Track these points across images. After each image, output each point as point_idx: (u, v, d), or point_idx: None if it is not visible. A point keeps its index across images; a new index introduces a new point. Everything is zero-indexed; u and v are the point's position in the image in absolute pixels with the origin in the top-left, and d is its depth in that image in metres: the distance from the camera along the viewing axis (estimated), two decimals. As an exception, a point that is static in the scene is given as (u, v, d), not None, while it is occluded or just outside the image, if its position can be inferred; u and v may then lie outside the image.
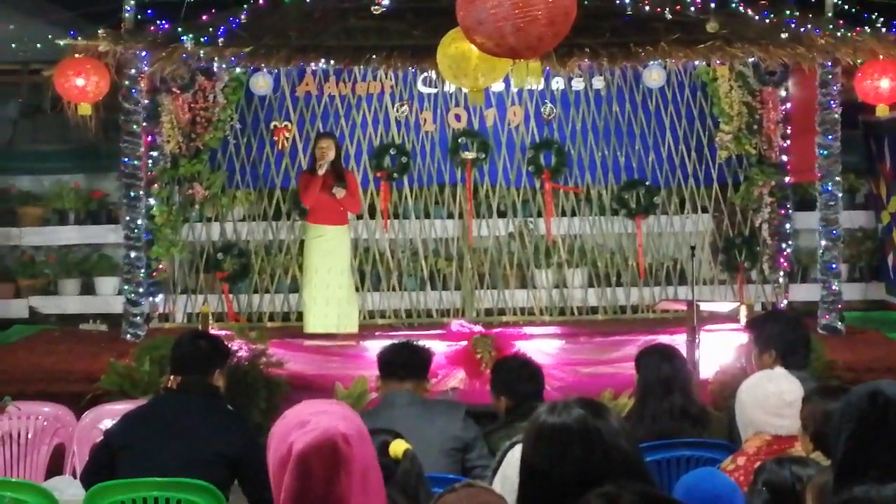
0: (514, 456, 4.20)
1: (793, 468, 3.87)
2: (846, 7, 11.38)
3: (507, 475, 4.26)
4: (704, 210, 12.78)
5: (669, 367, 6.13)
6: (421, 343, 6.25)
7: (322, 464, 2.92)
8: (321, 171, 10.56)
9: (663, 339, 8.64)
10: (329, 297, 10.73)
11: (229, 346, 6.17)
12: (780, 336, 6.14)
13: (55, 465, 7.18)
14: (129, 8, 11.14)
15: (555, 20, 6.44)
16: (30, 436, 7.19)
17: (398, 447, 3.57)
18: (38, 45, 11.47)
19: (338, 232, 10.81)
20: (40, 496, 5.23)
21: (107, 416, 7.01)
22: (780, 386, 4.84)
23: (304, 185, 10.81)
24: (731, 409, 5.30)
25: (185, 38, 10.80)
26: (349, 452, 2.94)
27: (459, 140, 12.62)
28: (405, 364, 5.96)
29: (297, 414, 3.08)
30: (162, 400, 5.70)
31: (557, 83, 12.59)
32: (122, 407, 6.86)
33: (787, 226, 12.59)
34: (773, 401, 4.79)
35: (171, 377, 5.53)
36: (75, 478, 6.13)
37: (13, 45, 12.38)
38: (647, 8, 11.13)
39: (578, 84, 12.69)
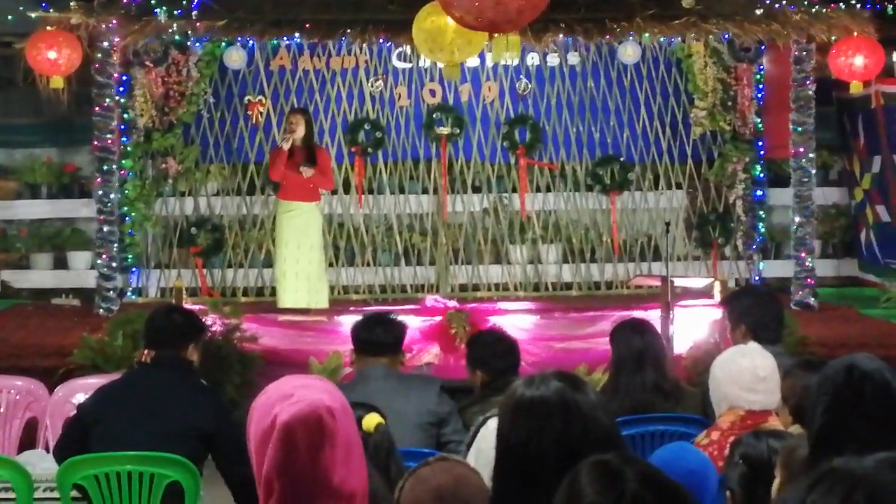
0: (489, 430, 4.21)
1: (770, 441, 3.88)
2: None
3: (482, 449, 4.26)
4: (679, 186, 12.81)
5: (641, 340, 6.14)
6: (395, 317, 6.23)
7: (307, 436, 2.91)
8: (286, 146, 10.55)
9: (637, 314, 8.65)
10: (299, 271, 10.72)
11: (204, 320, 6.14)
12: (752, 311, 6.15)
13: (28, 439, 7.14)
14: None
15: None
16: (1, 410, 7.15)
17: (371, 421, 3.58)
18: (10, 18, 11.37)
19: (308, 208, 10.79)
20: (13, 470, 5.21)
21: (80, 391, 6.98)
22: (753, 361, 4.84)
23: (271, 160, 10.83)
24: (705, 383, 5.31)
25: (158, 10, 10.72)
26: (334, 425, 2.94)
27: (434, 115, 12.60)
28: (379, 338, 5.91)
29: (279, 387, 3.07)
30: (135, 374, 5.69)
31: (532, 59, 12.58)
32: (95, 381, 6.83)
33: (761, 202, 12.62)
34: (746, 376, 4.79)
35: (145, 351, 5.52)
36: (48, 452, 6.12)
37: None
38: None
39: (553, 60, 12.67)
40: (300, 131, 10.59)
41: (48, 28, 10.56)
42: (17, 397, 7.22)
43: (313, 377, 3.26)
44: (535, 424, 2.98)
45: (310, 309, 10.72)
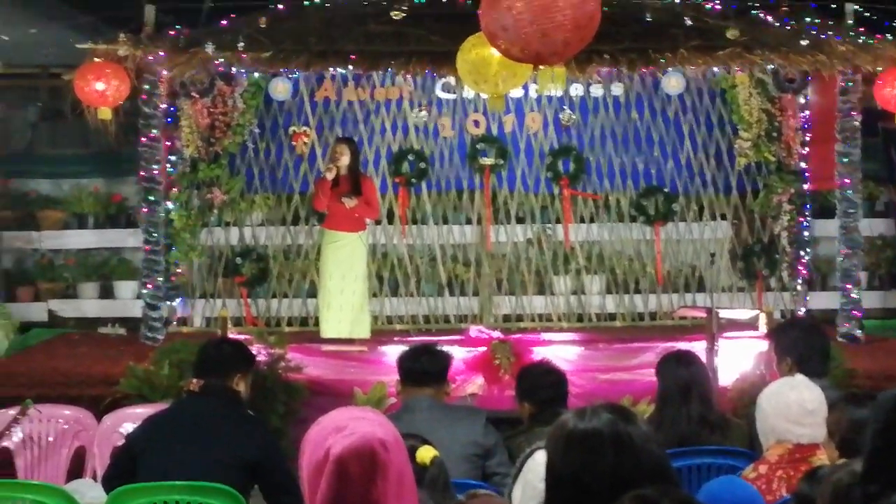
0: (535, 462, 4.19)
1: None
2: (866, 14, 11.34)
3: (528, 480, 4.25)
4: (723, 217, 12.77)
5: (687, 372, 6.14)
6: (440, 347, 6.24)
7: (360, 468, 2.92)
8: (329, 175, 10.55)
9: (682, 346, 8.58)
10: (343, 302, 10.73)
11: (253, 352, 6.16)
12: (798, 343, 6.13)
13: (76, 468, 7.20)
14: (150, 12, 11.15)
15: (580, 25, 6.40)
16: (51, 439, 7.21)
17: (426, 454, 3.59)
18: (59, 50, 11.49)
19: (353, 238, 10.79)
20: (61, 499, 5.25)
21: (127, 420, 7.04)
22: (801, 394, 4.81)
23: (315, 190, 10.88)
24: (752, 416, 5.28)
25: (205, 43, 10.79)
26: (386, 458, 2.95)
27: (478, 146, 12.62)
28: (425, 369, 5.94)
29: (332, 419, 3.08)
30: (183, 403, 5.73)
31: (576, 89, 12.59)
32: (143, 410, 6.89)
33: (806, 233, 12.57)
34: (794, 409, 4.77)
35: (194, 380, 5.55)
36: (96, 481, 6.16)
37: (33, 50, 12.42)
38: (666, 14, 11.12)
39: (597, 90, 12.69)
40: (345, 160, 10.61)
41: (96, 60, 10.64)
42: (66, 426, 7.29)
43: (366, 409, 3.26)
44: (588, 457, 2.96)
45: (353, 339, 10.73)
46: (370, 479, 2.93)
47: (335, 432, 3.00)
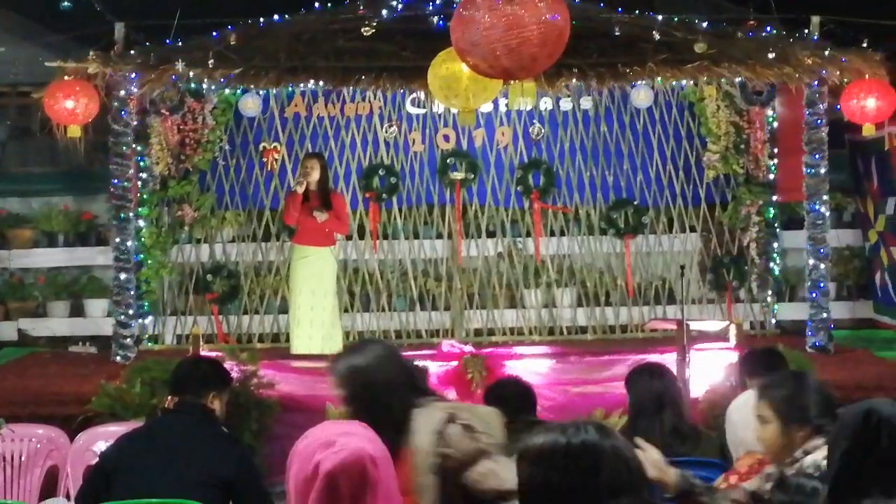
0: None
1: None
2: (832, 27, 11.42)
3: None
4: (692, 229, 12.85)
5: (660, 384, 6.20)
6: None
7: (350, 484, 2.97)
8: (300, 189, 10.62)
9: (653, 358, 8.62)
10: (314, 318, 10.74)
11: (229, 371, 6.16)
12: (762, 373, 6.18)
13: (49, 488, 7.16)
14: (119, 30, 11.14)
15: (547, 41, 6.45)
16: (23, 458, 7.18)
17: None
18: (28, 68, 11.47)
19: (323, 253, 10.83)
20: (35, 519, 5.23)
21: (100, 438, 7.02)
22: (768, 405, 4.85)
23: (286, 205, 10.91)
24: (722, 427, 5.33)
25: (175, 60, 10.78)
26: (376, 474, 3.00)
27: (448, 160, 12.67)
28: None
29: (321, 434, 3.12)
30: (158, 421, 5.71)
31: (546, 103, 12.65)
32: (116, 429, 6.87)
33: (775, 245, 12.65)
34: (761, 420, 4.80)
35: (168, 398, 5.55)
36: (69, 500, 6.14)
37: (2, 68, 12.39)
38: (634, 28, 11.17)
39: (566, 104, 12.76)
40: (315, 175, 10.68)
41: (66, 77, 10.60)
42: (38, 445, 7.26)
43: (353, 423, 3.29)
44: (577, 470, 2.96)
45: (324, 355, 10.72)
46: (360, 495, 2.99)
47: (324, 447, 3.02)
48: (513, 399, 6.22)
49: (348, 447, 3.01)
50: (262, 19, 11.23)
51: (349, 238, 12.42)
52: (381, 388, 4.23)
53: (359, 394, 4.28)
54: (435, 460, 3.67)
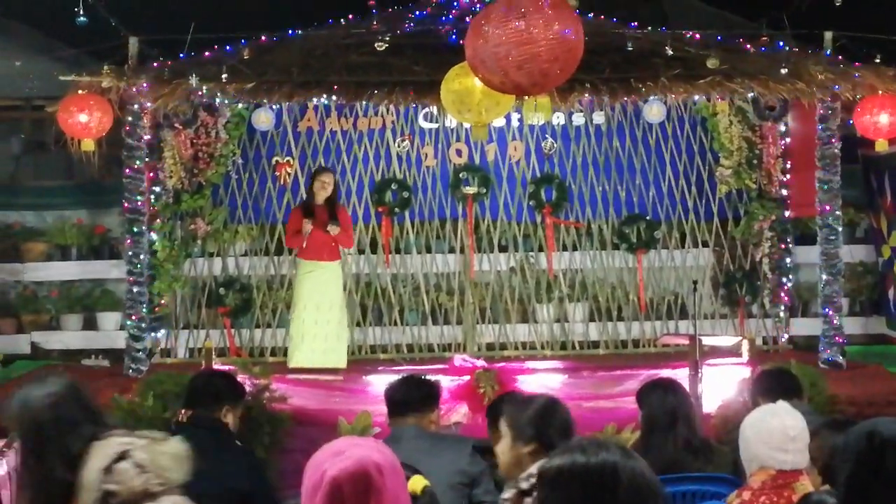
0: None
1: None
2: (845, 43, 11.42)
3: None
4: (705, 244, 12.83)
5: (674, 399, 6.18)
6: (424, 377, 6.26)
7: (354, 490, 2.97)
8: (305, 232, 10.73)
9: (666, 373, 8.64)
10: (317, 332, 10.76)
11: (243, 385, 6.17)
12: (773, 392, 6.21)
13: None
14: (133, 45, 11.18)
15: (557, 57, 6.46)
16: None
17: (417, 483, 3.62)
18: (42, 82, 11.50)
19: (330, 267, 10.89)
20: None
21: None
22: (783, 421, 4.83)
23: (291, 230, 11.04)
24: (735, 442, 5.31)
25: (188, 74, 10.81)
26: (381, 482, 3.00)
27: (460, 175, 12.67)
28: (406, 399, 5.98)
29: (332, 446, 3.14)
30: (171, 434, 5.69)
31: (558, 118, 12.65)
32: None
33: (788, 260, 12.63)
34: (776, 436, 4.78)
35: (182, 411, 5.56)
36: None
37: (17, 82, 12.43)
38: (647, 44, 11.19)
39: (579, 119, 12.77)
40: (329, 190, 10.76)
41: (80, 92, 10.65)
42: (52, 458, 7.22)
43: (367, 438, 3.30)
44: (598, 490, 2.92)
45: (336, 369, 10.74)
46: (364, 502, 2.97)
47: (333, 456, 3.05)
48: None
49: (354, 456, 3.04)
50: (275, 34, 11.28)
51: (361, 252, 12.45)
52: (51, 424, 4.11)
53: (29, 430, 4.17)
54: (97, 496, 3.60)
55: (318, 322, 10.75)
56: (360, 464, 3.02)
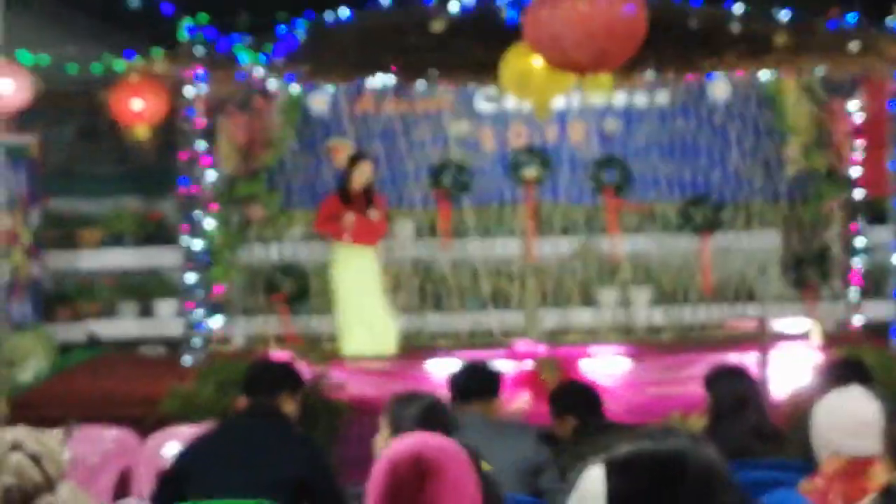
0: (590, 477, 4.03)
1: None
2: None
3: (584, 497, 4.09)
4: (773, 226, 12.58)
5: (742, 385, 6.07)
6: (489, 363, 6.21)
7: (410, 468, 2.97)
8: (346, 238, 10.69)
9: (732, 358, 8.48)
10: (372, 318, 10.70)
11: (302, 373, 6.10)
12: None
13: (121, 490, 7.16)
14: (185, 27, 11.09)
15: (616, 34, 6.43)
16: (96, 460, 7.18)
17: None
18: (95, 68, 11.44)
19: (371, 252, 10.85)
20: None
21: (172, 440, 7.04)
22: (857, 406, 4.66)
23: (323, 210, 10.91)
24: (807, 430, 5.14)
25: (242, 57, 10.72)
26: (439, 460, 2.99)
27: (520, 157, 12.48)
28: (472, 385, 5.99)
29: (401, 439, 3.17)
30: (231, 423, 5.71)
31: (620, 98, 12.45)
32: (188, 431, 6.87)
33: (859, 241, 12.34)
34: (850, 421, 4.61)
35: (242, 399, 5.58)
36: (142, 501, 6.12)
37: (70, 68, 12.37)
38: (711, 20, 10.98)
39: (641, 99, 12.58)
40: (368, 178, 10.72)
41: (133, 77, 10.60)
42: (111, 447, 7.26)
43: (433, 434, 3.31)
44: (667, 480, 2.78)
45: (378, 356, 10.67)
46: (421, 480, 2.97)
47: (399, 442, 3.10)
48: (582, 402, 6.31)
49: (413, 439, 3.09)
50: (330, 15, 11.15)
51: (420, 236, 12.33)
52: None
53: None
54: None
55: (364, 308, 10.69)
56: (417, 444, 3.02)
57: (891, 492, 3.91)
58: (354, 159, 11.14)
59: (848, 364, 6.67)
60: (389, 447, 3.05)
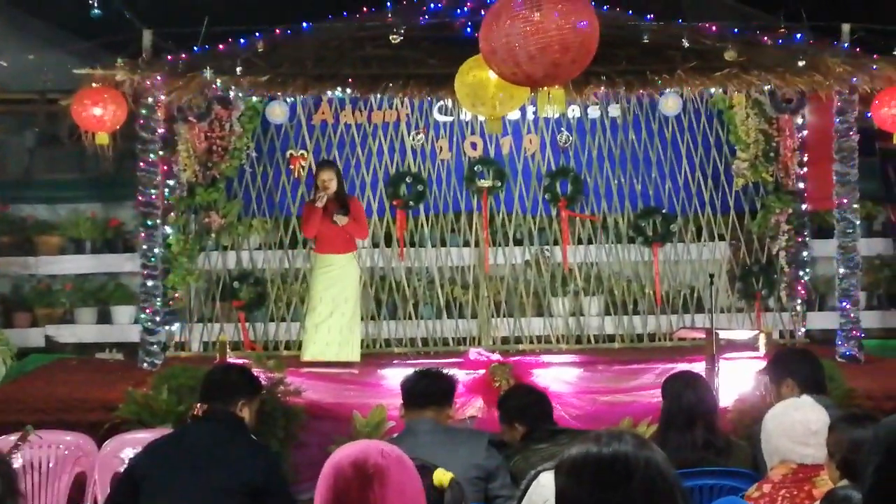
0: (541, 483, 4.17)
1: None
2: (862, 34, 11.36)
3: (534, 501, 4.23)
4: (721, 238, 12.78)
5: (694, 397, 6.11)
6: (443, 370, 6.25)
7: (356, 472, 3.03)
8: (320, 204, 10.52)
9: (682, 367, 8.58)
10: (332, 324, 10.69)
11: (259, 379, 6.13)
12: (795, 365, 6.17)
13: (76, 495, 7.16)
14: (147, 37, 11.16)
15: (569, 47, 6.43)
16: (51, 465, 7.18)
17: (444, 476, 3.61)
18: (56, 75, 11.48)
19: (345, 260, 10.76)
20: (63, 526, 5.22)
21: (128, 446, 7.03)
22: (806, 415, 4.82)
23: (305, 217, 10.81)
24: (754, 437, 5.29)
25: (202, 67, 10.79)
26: (385, 465, 3.05)
27: (475, 168, 12.63)
28: (426, 391, 5.95)
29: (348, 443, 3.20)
30: (187, 428, 5.68)
31: (573, 111, 12.61)
32: (144, 436, 6.87)
33: (805, 253, 12.58)
34: (798, 429, 4.78)
35: (198, 405, 5.53)
36: (96, 507, 6.13)
37: (31, 75, 12.43)
38: (663, 36, 11.14)
39: (594, 112, 12.72)
40: (333, 186, 10.59)
41: (94, 85, 10.63)
42: (66, 452, 7.25)
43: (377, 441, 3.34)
44: (613, 482, 2.88)
45: (351, 362, 10.69)
46: (366, 483, 3.02)
47: (343, 448, 3.13)
48: (530, 408, 6.29)
49: (358, 444, 3.14)
50: (289, 27, 11.25)
51: (376, 245, 12.42)
52: None
53: None
54: None
55: (333, 314, 10.68)
56: (362, 448, 3.08)
57: (832, 499, 4.09)
58: (316, 171, 11.12)
59: (797, 352, 6.81)
60: (334, 453, 3.10)
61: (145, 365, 10.90)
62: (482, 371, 9.87)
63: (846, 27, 11.39)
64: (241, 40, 11.04)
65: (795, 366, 6.18)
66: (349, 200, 10.86)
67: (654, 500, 2.84)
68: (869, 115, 11.02)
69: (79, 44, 12.31)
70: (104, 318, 12.82)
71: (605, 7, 11.18)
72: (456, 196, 12.70)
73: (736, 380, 9.08)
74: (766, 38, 11.30)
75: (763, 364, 7.54)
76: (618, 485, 2.85)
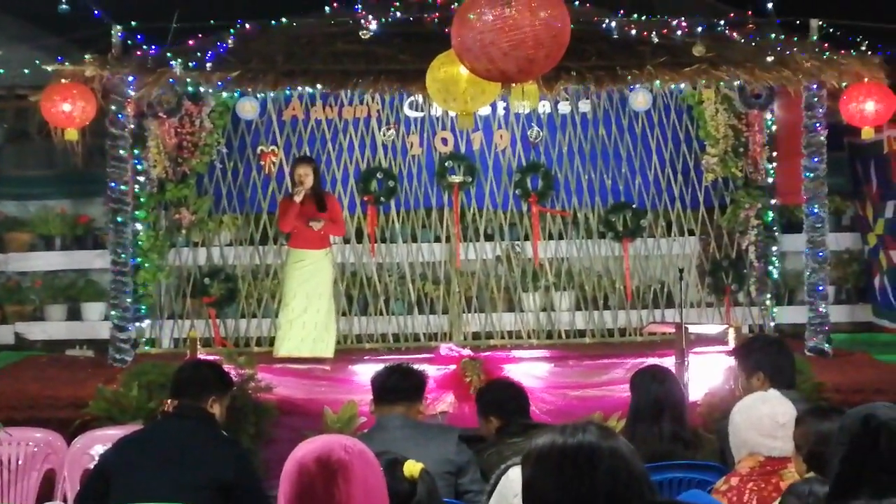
0: (510, 479, 4.20)
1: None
2: (831, 30, 11.41)
3: (503, 497, 4.25)
4: (691, 233, 12.81)
5: (661, 389, 6.16)
6: (414, 366, 6.25)
7: (320, 469, 3.02)
8: (298, 199, 10.54)
9: (652, 361, 8.63)
10: (306, 320, 10.69)
11: (230, 376, 6.13)
12: (768, 358, 6.20)
13: (46, 492, 7.15)
14: (116, 33, 11.11)
15: (542, 42, 6.45)
16: (20, 462, 7.17)
17: (414, 468, 3.62)
18: (25, 71, 11.41)
19: (318, 256, 10.77)
20: (32, 523, 5.21)
21: (98, 442, 7.02)
22: (773, 408, 4.87)
23: (282, 211, 10.82)
24: (723, 431, 5.32)
25: (173, 63, 10.76)
26: (348, 460, 3.05)
27: (446, 164, 12.64)
28: (396, 387, 5.94)
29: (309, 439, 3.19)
30: (157, 424, 5.70)
31: (544, 106, 12.61)
32: (114, 432, 6.86)
33: (774, 248, 12.64)
34: (766, 422, 4.82)
35: (168, 401, 5.53)
36: (66, 503, 6.12)
37: (-1, 70, 12.35)
38: (633, 32, 11.17)
39: (565, 107, 12.73)
40: (309, 181, 10.59)
41: (63, 81, 10.58)
42: (35, 449, 7.26)
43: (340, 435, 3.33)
44: (576, 472, 2.91)
45: (322, 358, 10.69)
46: (331, 480, 3.02)
47: (304, 445, 3.12)
48: (507, 402, 6.28)
49: (321, 439, 3.13)
50: (259, 22, 11.23)
51: (347, 241, 12.41)
52: None
53: None
54: None
55: (307, 310, 10.69)
56: (326, 443, 3.07)
57: (794, 492, 4.13)
58: (292, 166, 11.10)
59: (771, 342, 6.83)
60: (296, 449, 3.10)
61: (115, 362, 10.84)
62: (453, 366, 9.91)
63: (815, 23, 11.43)
64: (211, 36, 11.01)
65: (768, 358, 6.21)
66: (326, 198, 10.90)
67: (619, 489, 2.87)
68: (837, 110, 11.06)
69: (48, 39, 12.22)
70: (74, 315, 12.78)
71: (575, 2, 11.21)
72: (427, 192, 12.70)
73: (705, 374, 9.14)
74: (735, 33, 11.33)
75: (732, 359, 7.60)
76: (583, 474, 2.88)
